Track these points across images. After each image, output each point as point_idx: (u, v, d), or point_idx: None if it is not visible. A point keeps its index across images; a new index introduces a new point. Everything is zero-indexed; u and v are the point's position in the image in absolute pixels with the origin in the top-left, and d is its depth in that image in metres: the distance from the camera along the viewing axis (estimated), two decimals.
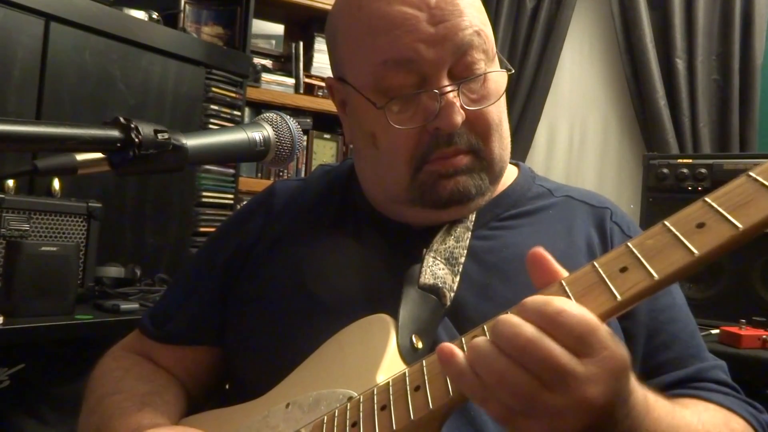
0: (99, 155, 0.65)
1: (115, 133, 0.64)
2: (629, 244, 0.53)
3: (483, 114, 0.84)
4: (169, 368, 0.97)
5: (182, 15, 2.57)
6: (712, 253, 0.49)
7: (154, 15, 2.24)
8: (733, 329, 1.60)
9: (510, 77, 0.88)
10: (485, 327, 0.59)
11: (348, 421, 0.67)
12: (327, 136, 3.12)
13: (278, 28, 3.05)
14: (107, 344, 1.03)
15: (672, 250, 0.51)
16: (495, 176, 0.88)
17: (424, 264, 0.82)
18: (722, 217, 0.50)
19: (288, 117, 0.84)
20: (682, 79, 2.72)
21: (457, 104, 0.80)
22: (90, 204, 1.80)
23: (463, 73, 0.82)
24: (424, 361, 0.63)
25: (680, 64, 2.72)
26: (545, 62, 3.08)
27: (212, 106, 2.38)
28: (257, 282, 0.93)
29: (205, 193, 2.40)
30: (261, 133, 0.80)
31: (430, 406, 0.59)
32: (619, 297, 0.52)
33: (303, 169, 3.06)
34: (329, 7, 0.92)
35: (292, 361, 0.82)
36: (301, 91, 3.02)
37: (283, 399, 0.78)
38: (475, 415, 0.75)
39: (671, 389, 0.80)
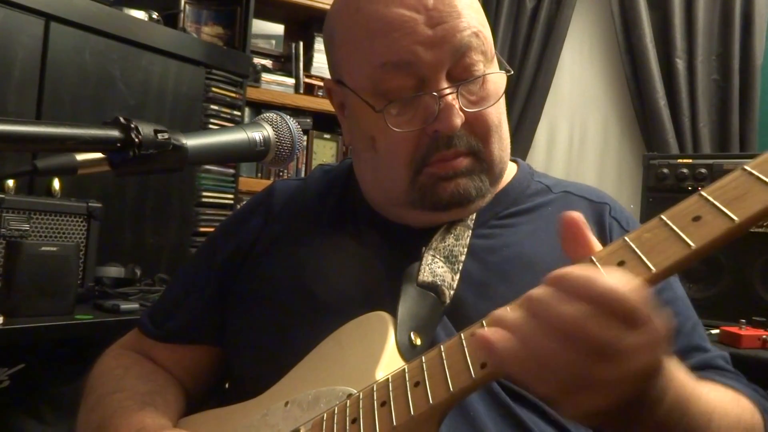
0: (99, 155, 0.65)
1: (115, 133, 0.64)
2: (626, 238, 0.53)
3: (482, 116, 0.84)
4: (169, 367, 0.97)
5: (182, 15, 2.57)
6: (708, 246, 0.50)
7: (154, 15, 2.24)
8: (733, 329, 1.61)
9: (510, 78, 0.88)
10: (483, 323, 0.59)
11: (348, 418, 0.67)
12: (327, 136, 3.13)
13: (278, 28, 3.05)
14: (107, 344, 1.03)
15: (669, 244, 0.51)
16: (495, 178, 0.88)
17: (423, 262, 0.82)
18: (718, 210, 0.50)
19: (288, 117, 0.84)
20: (682, 79, 2.72)
21: (456, 106, 0.80)
22: (90, 204, 1.80)
23: (462, 75, 0.82)
24: (423, 357, 0.63)
25: (680, 64, 2.72)
26: (545, 62, 3.08)
27: (212, 106, 2.38)
28: (256, 281, 0.93)
29: (205, 193, 2.40)
30: (261, 133, 0.80)
31: (430, 402, 0.59)
32: None
33: (303, 169, 3.06)
34: (329, 7, 0.92)
35: (291, 360, 0.82)
36: (301, 91, 3.02)
37: (282, 397, 0.78)
38: (475, 416, 0.75)
39: None
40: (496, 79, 0.86)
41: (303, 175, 3.02)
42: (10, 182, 1.73)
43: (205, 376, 0.99)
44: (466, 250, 0.85)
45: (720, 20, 2.70)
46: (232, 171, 2.51)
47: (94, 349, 1.01)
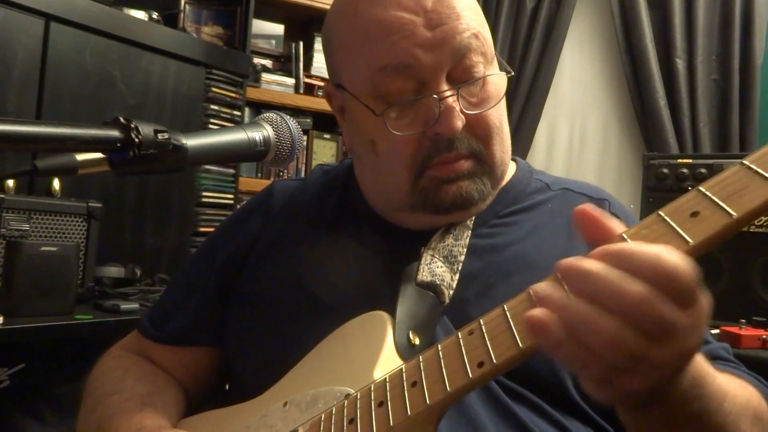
0: (99, 155, 0.65)
1: (115, 133, 0.64)
2: (624, 234, 0.53)
3: (483, 117, 0.83)
4: (169, 369, 0.97)
5: (182, 15, 2.57)
6: (706, 242, 0.49)
7: (154, 15, 2.24)
8: (733, 329, 1.60)
9: (510, 78, 0.87)
10: (481, 321, 0.58)
11: (345, 419, 0.67)
12: (327, 136, 3.13)
13: (278, 28, 3.05)
14: (107, 344, 1.03)
15: (666, 240, 0.51)
16: (497, 180, 0.88)
17: (422, 262, 0.82)
18: (716, 206, 0.50)
19: (288, 117, 0.84)
20: (682, 79, 2.72)
21: (457, 109, 0.80)
22: (90, 204, 1.80)
23: (462, 77, 0.82)
24: (420, 357, 0.63)
25: (680, 64, 2.73)
26: (545, 62, 3.08)
27: (212, 106, 2.38)
28: (256, 282, 0.93)
29: (205, 193, 2.40)
30: (261, 133, 0.80)
31: (427, 402, 0.59)
32: None
33: (303, 169, 3.06)
34: (329, 7, 0.91)
35: (290, 360, 0.82)
36: (301, 91, 3.02)
37: (281, 398, 0.78)
38: (475, 416, 0.75)
39: None
40: (497, 80, 0.85)
41: (303, 175, 3.02)
42: (10, 182, 1.73)
43: (205, 376, 0.99)
44: (465, 250, 0.85)
45: (720, 20, 2.71)
46: (232, 171, 2.51)
47: (94, 349, 1.01)
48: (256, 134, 0.79)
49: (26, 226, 1.66)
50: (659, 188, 1.92)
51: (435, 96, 0.80)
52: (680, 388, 0.55)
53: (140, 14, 2.18)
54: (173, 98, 2.24)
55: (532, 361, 0.67)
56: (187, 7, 2.63)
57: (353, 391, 0.70)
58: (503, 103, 0.87)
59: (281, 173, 2.97)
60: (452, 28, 0.80)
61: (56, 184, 1.86)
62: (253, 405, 0.82)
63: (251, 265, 0.94)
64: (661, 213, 0.53)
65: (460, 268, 0.83)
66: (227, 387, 1.03)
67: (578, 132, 3.19)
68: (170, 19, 2.42)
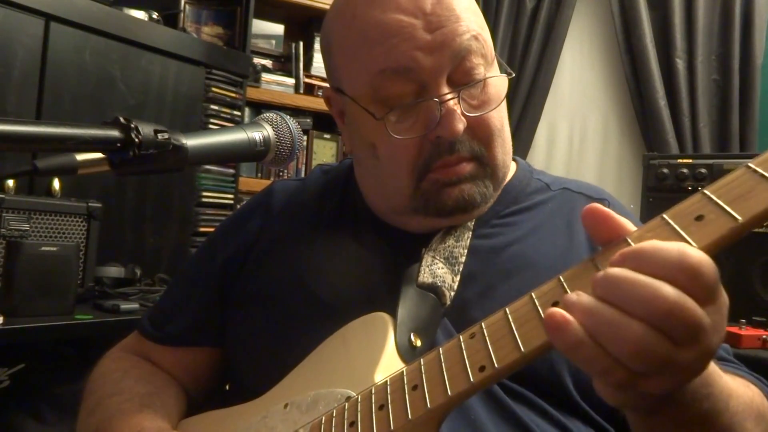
0: (99, 155, 0.65)
1: (115, 133, 0.64)
2: (628, 239, 0.52)
3: (484, 120, 0.83)
4: (169, 369, 0.97)
5: (182, 15, 2.57)
6: (711, 246, 0.49)
7: (154, 15, 2.24)
8: (733, 329, 1.60)
9: (510, 79, 0.87)
10: (483, 324, 0.58)
11: (346, 421, 0.66)
12: (327, 136, 3.13)
13: (278, 28, 3.05)
14: (107, 344, 1.03)
15: None
16: (498, 182, 0.88)
17: (423, 263, 0.82)
18: (721, 210, 0.49)
19: (288, 117, 0.84)
20: (682, 79, 2.72)
21: (458, 111, 0.79)
22: (90, 204, 1.80)
23: (463, 79, 0.81)
24: (422, 360, 0.63)
25: (680, 64, 2.72)
26: (545, 62, 3.08)
27: (212, 106, 2.38)
28: (256, 282, 0.93)
29: (205, 193, 2.40)
30: (261, 133, 0.80)
31: (428, 405, 0.59)
32: None
33: (303, 169, 3.06)
34: (329, 7, 0.91)
35: (291, 362, 0.82)
36: (301, 91, 3.02)
37: (282, 399, 0.78)
38: (475, 417, 0.74)
39: None
40: (497, 82, 0.85)
41: (303, 175, 3.01)
42: (10, 182, 1.73)
43: (205, 377, 0.99)
44: (466, 251, 0.84)
45: (720, 20, 2.70)
46: (232, 171, 2.50)
47: (94, 350, 1.01)
48: (256, 134, 0.79)
49: (26, 226, 1.66)
50: (659, 188, 1.92)
51: (436, 99, 0.79)
52: (691, 387, 0.55)
53: (140, 14, 2.18)
54: (173, 98, 2.23)
55: (533, 362, 0.67)
56: (187, 7, 2.63)
57: (354, 394, 0.70)
58: (504, 104, 0.86)
59: (281, 173, 2.97)
60: (452, 30, 0.79)
61: (56, 184, 1.86)
62: (253, 406, 0.82)
63: (251, 266, 0.94)
64: (665, 216, 0.52)
65: (461, 269, 0.83)
66: (227, 387, 1.02)
67: (578, 132, 3.19)
68: (170, 19, 2.42)
